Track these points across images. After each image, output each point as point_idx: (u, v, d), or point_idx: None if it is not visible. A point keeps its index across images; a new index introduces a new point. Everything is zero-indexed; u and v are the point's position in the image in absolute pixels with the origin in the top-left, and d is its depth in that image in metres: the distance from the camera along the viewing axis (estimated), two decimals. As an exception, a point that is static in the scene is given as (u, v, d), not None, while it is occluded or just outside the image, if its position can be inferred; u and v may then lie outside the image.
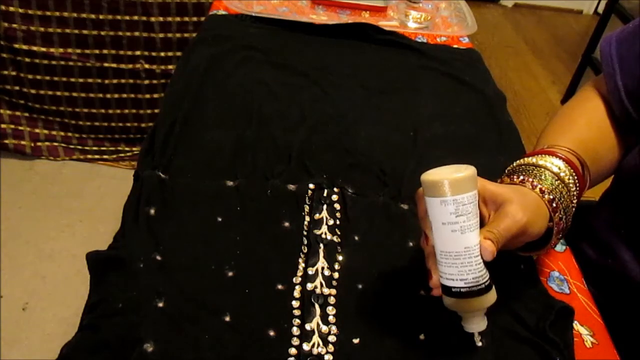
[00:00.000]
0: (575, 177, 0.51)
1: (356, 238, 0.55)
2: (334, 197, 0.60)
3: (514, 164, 0.54)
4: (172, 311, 0.46)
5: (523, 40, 2.96)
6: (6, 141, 1.60)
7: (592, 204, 0.70)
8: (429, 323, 0.48)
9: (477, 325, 0.44)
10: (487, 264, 0.43)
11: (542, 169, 0.50)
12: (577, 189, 0.51)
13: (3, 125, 1.58)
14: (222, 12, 0.97)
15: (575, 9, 3.43)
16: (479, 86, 0.84)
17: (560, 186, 0.49)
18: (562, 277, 0.55)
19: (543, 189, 0.48)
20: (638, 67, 0.58)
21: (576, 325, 0.50)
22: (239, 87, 0.76)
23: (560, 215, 0.48)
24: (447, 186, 0.41)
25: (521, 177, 0.50)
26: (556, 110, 0.66)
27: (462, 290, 0.42)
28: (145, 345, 0.43)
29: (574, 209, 0.51)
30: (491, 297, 0.43)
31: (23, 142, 1.62)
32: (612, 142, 0.61)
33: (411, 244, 0.55)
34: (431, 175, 0.42)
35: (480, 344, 0.45)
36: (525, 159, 0.53)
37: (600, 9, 3.14)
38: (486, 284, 0.43)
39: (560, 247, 0.58)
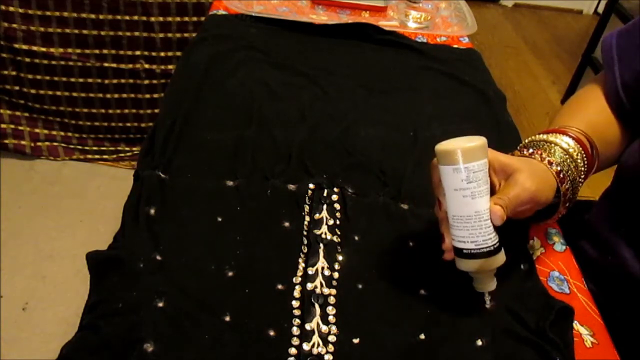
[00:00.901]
0: (584, 155, 0.54)
1: (356, 238, 0.55)
2: (334, 197, 0.60)
3: (526, 141, 0.56)
4: (172, 311, 0.46)
5: (523, 40, 2.96)
6: (6, 141, 1.60)
7: (592, 202, 0.71)
8: (429, 322, 0.48)
9: (487, 285, 0.48)
10: (497, 230, 0.46)
11: (552, 145, 0.53)
12: (585, 165, 0.54)
13: (3, 125, 1.58)
14: (222, 12, 0.97)
15: (575, 9, 3.43)
16: (479, 86, 0.84)
17: (568, 160, 0.52)
18: (562, 277, 0.55)
19: (551, 161, 0.51)
20: (636, 59, 0.58)
21: (576, 325, 0.50)
22: (239, 87, 0.76)
23: (567, 186, 0.51)
24: (459, 155, 0.44)
25: (531, 150, 0.53)
26: (556, 110, 0.67)
27: (472, 251, 0.46)
28: (145, 345, 0.43)
29: (581, 184, 0.54)
30: (500, 258, 0.47)
31: (23, 142, 1.62)
32: (614, 134, 0.63)
33: (411, 243, 0.55)
34: (445, 145, 0.45)
35: (489, 304, 0.49)
36: (537, 135, 0.56)
37: (600, 9, 3.13)
38: (495, 246, 0.46)
39: (560, 247, 0.58)
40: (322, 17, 1.01)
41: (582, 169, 0.54)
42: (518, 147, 0.56)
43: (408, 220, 0.58)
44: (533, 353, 0.46)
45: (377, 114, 0.76)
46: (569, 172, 0.51)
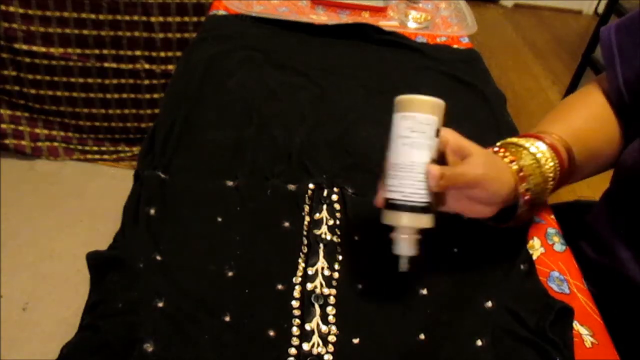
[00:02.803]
0: (557, 162, 0.53)
1: (356, 238, 0.55)
2: (334, 197, 0.60)
3: (499, 142, 0.56)
4: (172, 311, 0.46)
5: (523, 41, 2.96)
6: (6, 141, 1.60)
7: (592, 203, 0.70)
8: (429, 323, 0.48)
9: (404, 247, 0.46)
10: (431, 194, 0.45)
11: (521, 148, 0.53)
12: (556, 173, 0.53)
13: (3, 125, 1.58)
14: (222, 12, 0.97)
15: (575, 9, 3.43)
16: (479, 86, 0.84)
17: (534, 165, 0.51)
18: (562, 277, 0.55)
19: (514, 160, 0.51)
20: (637, 56, 0.58)
21: (576, 325, 0.50)
22: (239, 87, 0.76)
23: (528, 187, 0.50)
24: (409, 103, 0.45)
25: (496, 149, 0.53)
26: (556, 110, 0.66)
27: (397, 202, 0.45)
28: (145, 345, 0.43)
29: (548, 191, 0.54)
30: (424, 219, 0.45)
31: (23, 142, 1.62)
32: (611, 134, 0.62)
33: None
34: (404, 96, 0.46)
35: (404, 268, 0.46)
36: (510, 138, 0.56)
37: (600, 9, 3.14)
38: (422, 205, 0.45)
39: (560, 247, 0.58)
40: (322, 17, 1.01)
41: (550, 175, 0.53)
42: (491, 146, 0.55)
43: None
44: (533, 353, 0.46)
45: (377, 114, 0.76)
46: (532, 176, 0.51)
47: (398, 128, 0.46)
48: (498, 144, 0.56)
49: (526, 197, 0.50)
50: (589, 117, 0.62)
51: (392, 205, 0.45)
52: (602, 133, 0.62)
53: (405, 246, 0.46)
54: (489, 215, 0.50)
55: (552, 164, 0.53)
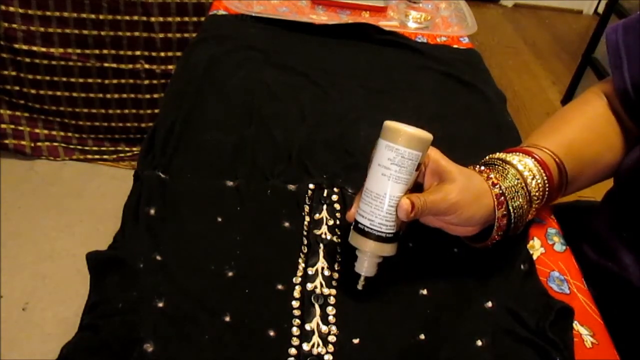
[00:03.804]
0: (545, 178, 0.52)
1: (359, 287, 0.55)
2: (334, 197, 0.60)
3: (487, 157, 0.55)
4: (172, 311, 0.46)
5: (523, 40, 2.96)
6: (6, 141, 1.60)
7: (594, 204, 0.70)
8: (429, 323, 0.48)
9: (365, 268, 0.47)
10: (400, 224, 0.47)
11: (508, 166, 0.52)
12: (545, 190, 0.53)
13: (3, 125, 1.59)
14: (222, 12, 0.97)
15: (575, 9, 3.43)
16: (479, 86, 0.84)
17: (518, 185, 0.50)
18: (562, 277, 0.55)
19: (496, 182, 0.50)
20: None
21: (576, 325, 0.50)
22: (239, 87, 0.76)
23: (504, 212, 0.49)
24: (397, 133, 0.45)
25: (482, 168, 0.52)
26: (556, 110, 0.66)
27: (365, 228, 0.46)
28: (145, 345, 0.43)
29: (530, 212, 0.52)
30: (387, 248, 0.47)
31: (23, 142, 1.62)
32: (611, 143, 0.61)
33: (411, 244, 0.55)
34: (393, 123, 0.46)
35: (360, 287, 0.48)
36: (498, 153, 0.55)
37: (600, 9, 3.13)
38: (389, 235, 0.46)
39: (560, 247, 0.58)
40: (322, 17, 1.01)
41: (537, 194, 0.52)
42: (479, 162, 0.55)
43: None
44: (533, 353, 0.46)
45: (377, 114, 0.76)
46: (514, 198, 0.50)
47: (380, 156, 0.46)
48: (487, 158, 0.55)
49: (503, 222, 0.50)
50: (585, 127, 0.61)
51: (360, 230, 0.47)
52: (601, 140, 0.61)
53: (366, 268, 0.48)
54: (470, 234, 0.50)
55: (540, 181, 0.52)
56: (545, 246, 0.58)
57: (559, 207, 0.67)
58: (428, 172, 0.48)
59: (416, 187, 0.49)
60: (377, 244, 0.46)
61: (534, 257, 0.56)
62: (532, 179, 0.52)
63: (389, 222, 0.46)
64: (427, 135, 0.46)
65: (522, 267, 0.54)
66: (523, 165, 0.52)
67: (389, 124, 0.46)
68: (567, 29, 3.20)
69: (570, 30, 3.20)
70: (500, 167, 0.52)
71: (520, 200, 0.50)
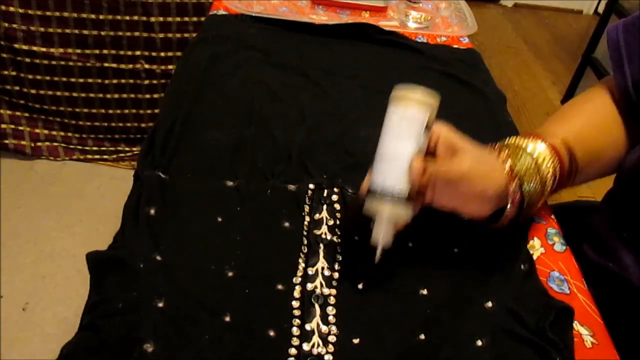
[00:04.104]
0: (557, 163, 0.53)
1: (356, 238, 0.55)
2: (334, 197, 0.60)
3: (500, 142, 0.56)
4: (172, 311, 0.46)
5: (523, 40, 2.96)
6: (6, 141, 1.60)
7: (594, 204, 0.70)
8: (429, 323, 0.48)
9: (382, 236, 0.47)
10: (413, 190, 0.47)
11: (520, 149, 0.52)
12: (556, 174, 0.53)
13: (3, 125, 1.58)
14: (222, 12, 0.97)
15: (575, 9, 3.43)
16: (479, 86, 0.84)
17: (531, 165, 0.51)
18: (562, 277, 0.55)
19: (507, 159, 0.50)
20: None
21: (576, 325, 0.50)
22: (239, 87, 0.76)
23: (516, 188, 0.50)
24: (404, 97, 0.47)
25: (495, 147, 0.53)
26: (556, 110, 0.66)
27: (377, 191, 0.47)
28: (145, 345, 0.43)
29: (546, 192, 0.53)
30: (402, 212, 0.47)
31: (23, 142, 1.62)
32: (615, 137, 0.62)
33: (411, 244, 0.55)
34: (400, 91, 0.48)
35: (377, 260, 0.48)
36: (512, 137, 0.55)
37: (600, 9, 3.13)
38: (401, 196, 0.46)
39: (560, 247, 0.58)
40: (322, 17, 1.01)
41: (549, 176, 0.52)
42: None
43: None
44: (533, 353, 0.46)
45: (377, 114, 0.76)
46: (526, 175, 0.50)
47: (389, 121, 0.48)
48: (499, 143, 0.56)
49: (516, 197, 0.50)
50: (592, 119, 0.62)
51: (373, 194, 0.47)
52: (605, 135, 0.61)
53: (382, 236, 0.47)
54: (484, 214, 0.50)
55: (550, 165, 0.52)
56: (545, 246, 0.58)
57: (559, 207, 0.67)
58: (440, 146, 0.49)
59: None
60: (391, 206, 0.46)
61: (534, 257, 0.56)
62: (543, 160, 0.52)
63: (401, 183, 0.46)
64: (432, 99, 0.47)
65: (522, 267, 0.54)
66: (535, 149, 0.52)
67: (396, 92, 0.48)
68: (567, 29, 3.20)
69: (570, 30, 3.20)
70: (512, 149, 0.53)
71: (533, 178, 0.51)
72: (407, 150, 0.46)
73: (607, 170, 0.63)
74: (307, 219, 0.57)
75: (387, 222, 0.47)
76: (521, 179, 0.50)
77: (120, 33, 1.47)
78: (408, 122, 0.46)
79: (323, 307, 0.48)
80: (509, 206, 0.50)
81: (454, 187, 0.47)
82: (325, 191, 0.60)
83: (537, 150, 0.52)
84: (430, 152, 0.49)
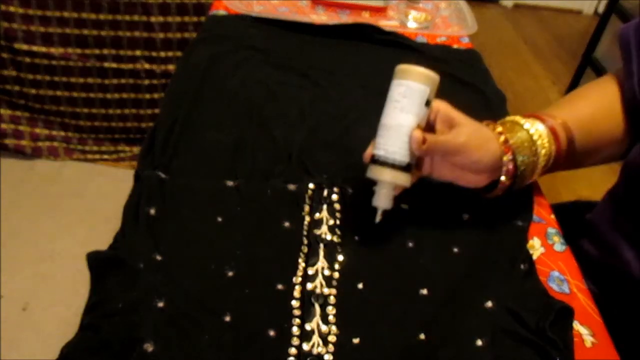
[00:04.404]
0: (553, 142, 0.55)
1: (356, 238, 0.55)
2: (334, 197, 0.60)
3: (500, 120, 0.58)
4: (172, 311, 0.46)
5: (523, 40, 2.96)
6: (6, 141, 1.60)
7: (594, 204, 0.70)
8: (429, 323, 0.48)
9: (381, 200, 0.51)
10: (413, 156, 0.50)
11: (517, 125, 0.55)
12: (551, 152, 0.55)
13: (3, 125, 1.59)
14: (222, 12, 0.97)
15: (575, 9, 3.43)
16: (479, 86, 0.84)
17: (526, 140, 0.53)
18: (562, 277, 0.55)
19: (502, 132, 0.53)
20: None
21: (576, 325, 0.50)
22: (239, 87, 0.76)
23: (511, 158, 0.52)
24: (406, 72, 0.50)
25: (491, 123, 0.55)
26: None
27: (380, 158, 0.51)
28: (145, 345, 0.43)
29: (539, 167, 0.55)
30: (403, 177, 0.51)
31: (23, 142, 1.62)
32: (617, 127, 0.63)
33: (411, 244, 0.55)
34: (403, 65, 0.51)
35: (378, 220, 0.52)
36: (511, 116, 0.57)
37: (600, 9, 3.14)
38: (402, 164, 0.50)
39: (560, 247, 0.58)
40: (322, 17, 1.01)
41: (543, 152, 0.54)
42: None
43: (408, 220, 0.58)
44: (533, 353, 0.46)
45: (377, 114, 0.76)
46: (520, 148, 0.53)
47: (392, 93, 0.51)
48: (498, 121, 0.58)
49: (510, 168, 0.52)
50: (597, 106, 0.63)
51: (376, 161, 0.51)
52: (608, 124, 0.63)
53: (382, 199, 0.51)
54: (480, 184, 0.53)
55: (547, 142, 0.54)
56: (545, 246, 0.58)
57: (559, 207, 0.67)
58: (439, 121, 0.52)
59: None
60: (392, 172, 0.50)
61: (534, 257, 0.56)
62: (539, 137, 0.54)
63: (403, 151, 0.50)
64: (434, 74, 0.51)
65: (522, 267, 0.54)
66: (533, 126, 0.55)
67: (400, 65, 0.51)
68: (567, 29, 3.20)
69: (570, 30, 3.20)
70: (509, 126, 0.55)
71: (527, 151, 0.53)
72: (409, 121, 0.50)
73: (610, 156, 0.65)
74: (307, 219, 0.57)
75: (387, 186, 0.51)
76: (515, 151, 0.52)
77: (120, 33, 1.47)
78: (410, 94, 0.50)
79: (323, 307, 0.48)
80: (503, 174, 0.53)
81: (451, 157, 0.51)
82: (325, 191, 0.60)
83: (534, 127, 0.54)
84: (429, 126, 0.52)
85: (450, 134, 0.50)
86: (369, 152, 0.52)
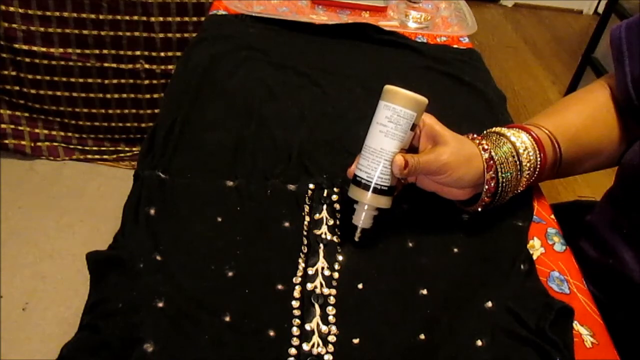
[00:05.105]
0: (538, 154, 0.55)
1: (356, 238, 0.55)
2: (334, 197, 0.60)
3: (485, 131, 0.58)
4: (172, 311, 0.46)
5: (523, 40, 2.96)
6: (6, 141, 1.60)
7: (594, 204, 0.70)
8: (429, 323, 0.48)
9: (362, 220, 0.52)
10: (394, 179, 0.51)
11: (503, 138, 0.54)
12: (536, 165, 0.55)
13: (3, 125, 1.59)
14: (222, 12, 0.97)
15: (575, 9, 3.43)
16: (479, 86, 0.84)
17: (509, 153, 0.53)
18: (562, 277, 0.55)
19: (487, 148, 0.52)
20: None
21: (576, 325, 0.50)
22: (239, 87, 0.76)
23: (493, 176, 0.52)
24: (394, 94, 0.50)
25: (475, 136, 0.55)
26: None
27: (362, 181, 0.51)
28: (145, 345, 0.43)
29: (520, 182, 0.55)
30: (383, 200, 0.51)
31: (23, 142, 1.62)
32: (609, 133, 0.63)
33: (411, 244, 0.55)
34: (391, 87, 0.50)
35: (357, 239, 0.53)
36: (496, 128, 0.57)
37: (600, 9, 3.14)
38: (384, 188, 0.51)
39: (560, 247, 0.58)
40: (322, 17, 1.01)
41: (528, 165, 0.54)
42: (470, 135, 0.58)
43: (408, 220, 0.58)
44: (533, 353, 0.46)
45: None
46: (503, 165, 0.52)
47: (378, 115, 0.51)
48: (484, 132, 0.58)
49: (491, 185, 0.52)
50: (585, 114, 0.63)
51: (358, 183, 0.51)
52: (598, 131, 0.62)
53: (362, 219, 0.52)
54: (462, 197, 0.53)
55: (532, 154, 0.54)
56: (545, 246, 0.58)
57: (559, 207, 0.67)
58: (423, 135, 0.52)
59: (412, 150, 0.53)
60: (373, 196, 0.51)
61: (534, 257, 0.56)
62: (524, 150, 0.54)
63: (384, 175, 0.50)
64: (422, 99, 0.50)
65: (522, 267, 0.54)
66: (516, 138, 0.54)
67: (388, 87, 0.50)
68: (567, 29, 3.20)
69: (570, 30, 3.20)
70: (494, 137, 0.55)
71: (510, 167, 0.53)
72: (392, 146, 0.50)
73: (605, 163, 0.64)
74: (307, 219, 0.57)
75: (367, 208, 0.51)
76: (499, 167, 0.52)
77: (120, 33, 1.47)
78: (396, 120, 0.49)
79: (323, 307, 0.48)
80: (484, 193, 0.53)
81: (433, 176, 0.51)
82: (325, 191, 0.60)
83: (519, 140, 0.54)
84: (413, 142, 0.53)
85: (432, 153, 0.50)
86: (352, 169, 0.53)
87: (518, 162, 0.53)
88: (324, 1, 1.04)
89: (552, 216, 0.62)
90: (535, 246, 0.58)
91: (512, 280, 0.52)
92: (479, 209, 0.55)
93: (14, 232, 1.43)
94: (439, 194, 0.54)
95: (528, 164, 0.54)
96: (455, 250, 0.55)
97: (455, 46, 0.97)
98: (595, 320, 0.51)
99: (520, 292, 0.51)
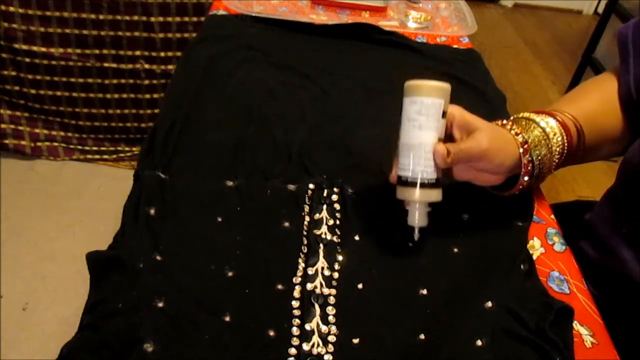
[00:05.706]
0: (565, 138, 0.56)
1: (356, 238, 0.55)
2: (334, 197, 0.60)
3: (512, 117, 0.59)
4: (172, 311, 0.46)
5: (523, 40, 2.96)
6: (6, 141, 1.60)
7: (592, 203, 0.70)
8: (429, 323, 0.48)
9: (417, 219, 0.50)
10: (439, 170, 0.50)
11: (531, 122, 0.55)
12: (564, 148, 0.56)
13: (3, 125, 1.58)
14: (222, 12, 0.97)
15: (575, 9, 3.43)
16: (479, 86, 0.84)
17: (542, 137, 0.54)
18: (562, 277, 0.55)
19: (519, 132, 0.53)
20: None
21: (576, 325, 0.50)
22: (239, 87, 0.76)
23: (530, 158, 0.53)
24: (417, 88, 0.50)
25: (505, 122, 0.56)
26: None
27: (409, 179, 0.50)
28: (145, 345, 0.43)
29: (554, 164, 0.56)
30: (433, 194, 0.50)
31: (23, 142, 1.62)
32: (620, 121, 0.64)
33: (411, 244, 0.55)
34: (411, 81, 0.50)
35: (416, 238, 0.51)
36: (523, 113, 0.58)
37: (600, 9, 3.13)
38: (431, 181, 0.50)
39: (560, 247, 0.58)
40: (322, 17, 1.01)
41: (557, 149, 0.55)
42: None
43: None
44: (533, 353, 0.46)
45: (377, 114, 0.76)
46: (537, 147, 0.53)
47: (407, 111, 0.50)
48: (511, 117, 0.58)
49: (528, 168, 0.53)
50: (602, 101, 0.64)
51: (404, 182, 0.50)
52: (609, 119, 0.63)
53: (418, 218, 0.50)
54: (496, 183, 0.54)
55: (560, 139, 0.55)
56: (545, 246, 0.58)
57: (559, 207, 0.67)
58: (455, 127, 0.52)
59: (447, 142, 0.52)
60: (422, 191, 0.49)
61: (534, 257, 0.56)
62: (554, 135, 0.55)
63: (428, 169, 0.49)
64: (446, 85, 0.50)
65: (522, 267, 0.54)
66: (546, 123, 0.55)
67: (409, 82, 0.51)
68: (567, 29, 3.20)
69: (570, 30, 3.20)
70: (524, 123, 0.55)
71: (543, 149, 0.54)
72: (429, 137, 0.49)
73: (612, 152, 0.66)
74: (307, 219, 0.57)
75: (420, 205, 0.50)
76: (532, 150, 0.53)
77: (120, 33, 1.47)
78: (426, 111, 0.49)
79: (323, 307, 0.48)
80: (522, 176, 0.53)
81: (475, 163, 0.51)
82: (325, 191, 0.60)
83: (548, 124, 0.55)
84: (446, 133, 0.52)
85: (471, 140, 0.50)
86: (394, 173, 0.52)
87: (549, 144, 0.54)
88: (324, 1, 1.04)
89: (552, 216, 0.62)
90: (535, 246, 0.58)
91: (512, 280, 0.52)
92: (517, 192, 0.56)
93: (14, 232, 1.43)
94: (473, 182, 0.54)
95: (558, 148, 0.55)
96: (455, 250, 0.55)
97: (455, 46, 0.97)
98: (595, 320, 0.51)
99: (520, 292, 0.51)
